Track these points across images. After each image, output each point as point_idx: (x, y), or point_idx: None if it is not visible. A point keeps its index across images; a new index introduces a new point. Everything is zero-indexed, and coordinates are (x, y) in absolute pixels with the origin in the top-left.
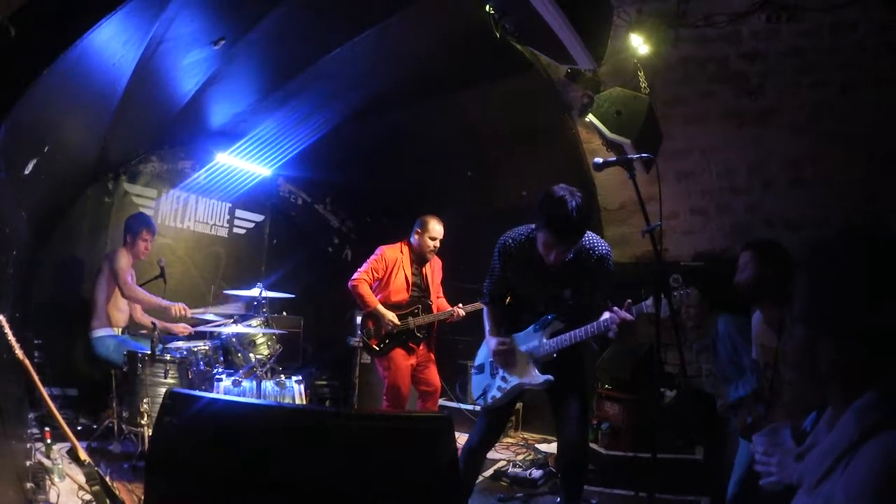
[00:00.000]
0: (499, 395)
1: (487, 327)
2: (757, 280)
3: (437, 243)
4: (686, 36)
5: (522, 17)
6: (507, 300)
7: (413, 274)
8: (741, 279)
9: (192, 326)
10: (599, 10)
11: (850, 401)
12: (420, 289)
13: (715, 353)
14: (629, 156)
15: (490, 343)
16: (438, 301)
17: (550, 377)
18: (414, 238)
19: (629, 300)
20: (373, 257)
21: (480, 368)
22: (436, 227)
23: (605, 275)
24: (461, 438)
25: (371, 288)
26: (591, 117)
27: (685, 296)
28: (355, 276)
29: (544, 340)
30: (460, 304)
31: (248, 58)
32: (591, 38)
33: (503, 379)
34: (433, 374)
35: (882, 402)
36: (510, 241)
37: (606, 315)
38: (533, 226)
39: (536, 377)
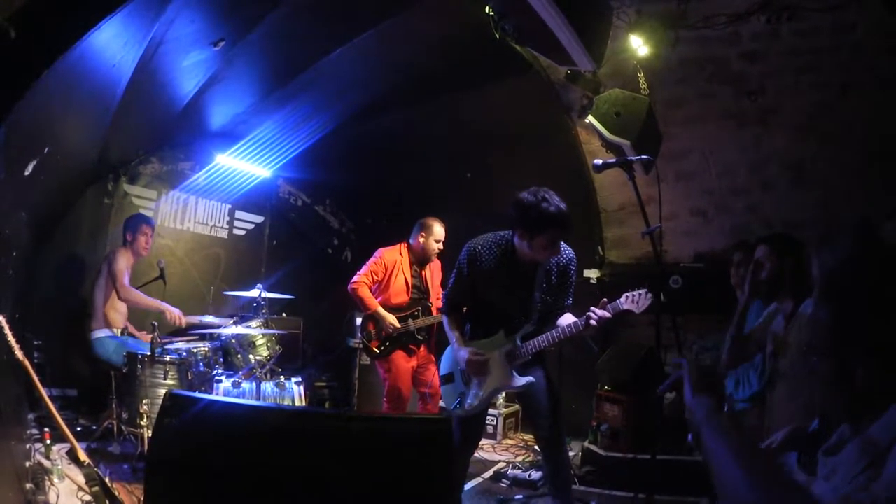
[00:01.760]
0: (476, 402)
1: (453, 337)
2: (776, 276)
3: (441, 245)
4: (686, 37)
5: (522, 18)
6: (465, 308)
7: (413, 276)
8: (762, 277)
9: (185, 316)
10: (599, 12)
11: (879, 410)
12: (420, 290)
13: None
14: (629, 157)
15: (461, 354)
16: (439, 302)
17: (531, 378)
18: (417, 241)
19: (605, 299)
20: (372, 260)
21: (449, 378)
22: (440, 230)
23: (573, 277)
24: None
25: (370, 290)
26: (590, 118)
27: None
28: (355, 279)
29: (518, 343)
30: None
31: (248, 59)
32: (591, 39)
33: (479, 385)
34: (433, 376)
35: None
36: (479, 247)
37: (569, 318)
38: (502, 232)
39: (516, 380)
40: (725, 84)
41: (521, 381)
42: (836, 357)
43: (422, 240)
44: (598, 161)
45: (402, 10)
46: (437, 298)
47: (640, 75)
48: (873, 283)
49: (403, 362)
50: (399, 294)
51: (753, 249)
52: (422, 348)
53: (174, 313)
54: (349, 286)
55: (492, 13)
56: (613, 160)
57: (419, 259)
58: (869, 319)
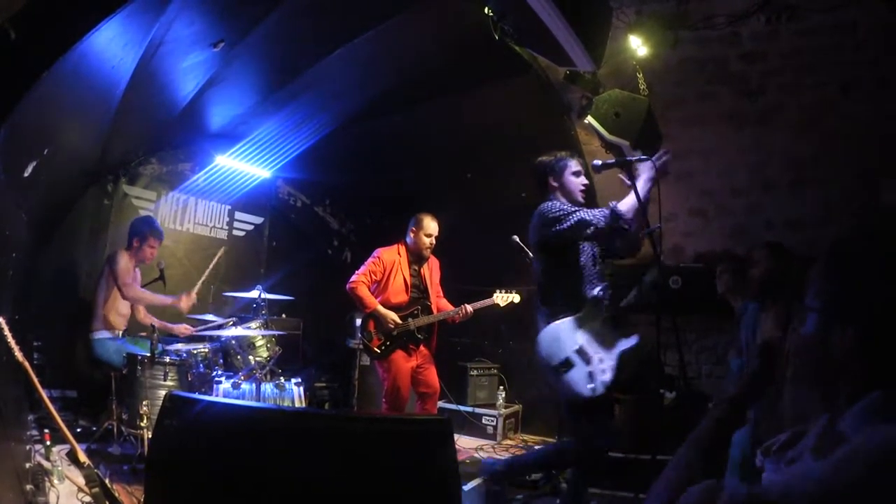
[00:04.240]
0: (610, 374)
1: (567, 317)
2: (767, 274)
3: (433, 240)
4: (685, 37)
5: (521, 18)
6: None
7: (411, 275)
8: (754, 273)
9: (193, 328)
10: (598, 12)
11: (856, 399)
12: (419, 290)
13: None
14: (628, 158)
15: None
16: (439, 301)
17: (637, 335)
18: (409, 237)
19: None
20: (370, 260)
21: (567, 364)
22: (431, 224)
23: None
24: (459, 440)
25: (370, 290)
26: (589, 119)
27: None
28: (353, 278)
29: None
30: (466, 304)
31: (247, 60)
32: (590, 39)
33: (602, 360)
34: (432, 376)
35: (890, 403)
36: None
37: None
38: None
39: (629, 339)
40: (725, 84)
41: (633, 339)
42: (824, 314)
43: (413, 235)
44: (598, 161)
45: (402, 11)
46: (436, 297)
47: (640, 76)
48: (873, 252)
49: (403, 362)
50: (398, 293)
51: (738, 258)
52: (421, 348)
53: (184, 301)
54: (348, 285)
55: (491, 14)
56: (613, 161)
57: (416, 257)
58: (864, 285)
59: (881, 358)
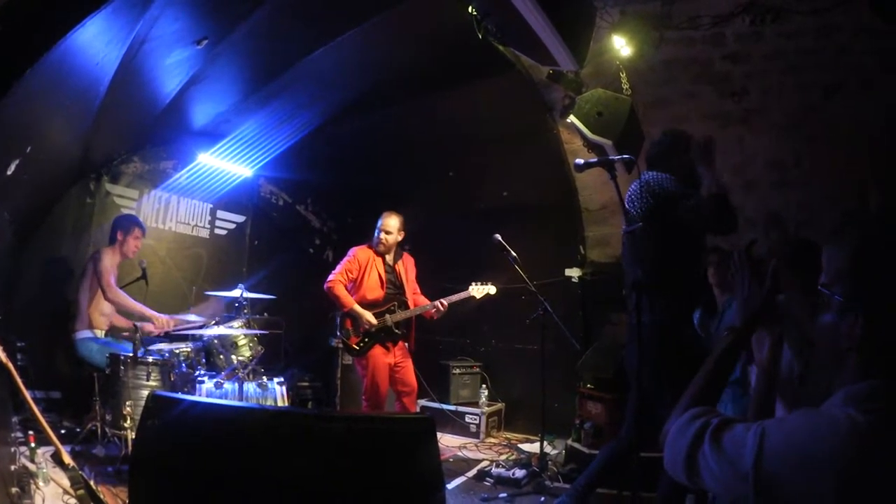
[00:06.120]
0: None
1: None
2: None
3: (388, 237)
4: (670, 38)
5: (504, 18)
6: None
7: (386, 271)
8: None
9: (168, 327)
10: (582, 12)
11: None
12: (395, 285)
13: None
14: (610, 157)
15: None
16: (415, 297)
17: None
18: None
19: None
20: (346, 258)
21: None
22: (388, 222)
23: None
24: (443, 439)
25: (347, 289)
26: (572, 118)
27: None
28: (330, 277)
29: None
30: (441, 299)
31: (230, 58)
32: (573, 39)
33: None
34: (410, 374)
35: (873, 394)
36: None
37: None
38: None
39: None
40: (709, 85)
41: None
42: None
43: (376, 231)
44: (580, 160)
45: (385, 9)
46: (412, 293)
47: (623, 75)
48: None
49: (381, 358)
50: (374, 289)
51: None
52: (399, 344)
53: (162, 320)
54: (325, 285)
55: (474, 12)
56: (595, 160)
57: (382, 253)
58: (878, 273)
59: (882, 349)
